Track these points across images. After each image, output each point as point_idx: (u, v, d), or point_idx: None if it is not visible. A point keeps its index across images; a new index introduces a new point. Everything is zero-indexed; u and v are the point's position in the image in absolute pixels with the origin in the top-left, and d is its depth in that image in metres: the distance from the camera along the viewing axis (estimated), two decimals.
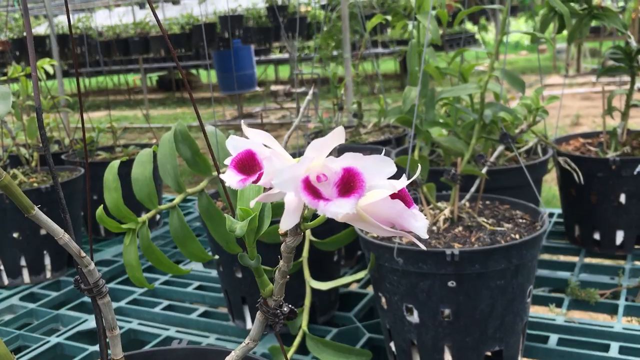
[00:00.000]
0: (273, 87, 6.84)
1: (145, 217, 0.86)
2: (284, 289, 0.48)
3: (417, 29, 0.99)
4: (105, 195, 0.83)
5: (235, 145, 0.39)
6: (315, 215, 0.40)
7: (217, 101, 7.56)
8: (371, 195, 0.36)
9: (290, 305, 0.49)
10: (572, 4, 1.17)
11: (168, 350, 0.63)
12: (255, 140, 0.38)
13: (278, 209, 0.92)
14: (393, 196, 0.36)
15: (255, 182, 0.36)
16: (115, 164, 0.84)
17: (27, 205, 0.44)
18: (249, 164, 0.37)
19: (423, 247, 0.37)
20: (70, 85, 8.60)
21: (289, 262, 0.44)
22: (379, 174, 0.33)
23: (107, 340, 0.52)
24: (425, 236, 0.35)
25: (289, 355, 0.92)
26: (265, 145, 0.38)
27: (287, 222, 0.36)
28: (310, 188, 0.33)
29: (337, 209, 0.32)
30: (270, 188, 0.37)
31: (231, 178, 0.37)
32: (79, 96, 0.57)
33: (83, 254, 0.48)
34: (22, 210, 0.44)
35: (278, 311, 0.48)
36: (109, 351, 0.53)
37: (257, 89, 6.81)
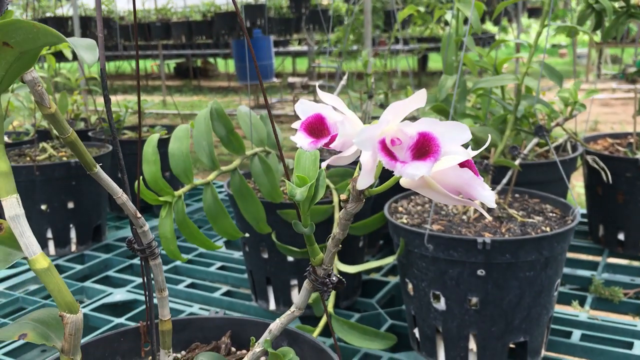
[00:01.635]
0: (290, 79, 6.84)
1: (181, 191, 0.87)
2: (334, 259, 0.49)
3: (457, 18, 0.99)
4: (144, 167, 0.84)
5: (303, 109, 0.39)
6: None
7: (234, 91, 7.58)
8: (441, 162, 0.36)
9: (338, 275, 0.50)
10: (610, 2, 1.16)
11: (205, 318, 0.64)
12: (326, 103, 0.38)
13: (319, 214, 0.93)
14: (461, 165, 0.36)
15: (328, 144, 0.37)
16: (155, 137, 0.85)
17: (90, 163, 0.45)
18: (318, 128, 0.38)
19: (489, 217, 0.37)
20: (88, 68, 8.65)
21: (345, 230, 0.45)
22: (454, 140, 0.34)
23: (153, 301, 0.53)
24: (493, 205, 0.36)
25: (314, 335, 0.93)
26: (335, 109, 0.38)
27: (363, 182, 0.37)
28: (386, 150, 0.33)
29: (414, 170, 0.32)
30: (340, 151, 0.38)
31: (302, 140, 0.37)
32: (137, 78, 0.58)
33: (139, 215, 0.49)
34: (85, 168, 0.45)
35: (327, 280, 0.49)
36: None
37: (275, 80, 6.82)
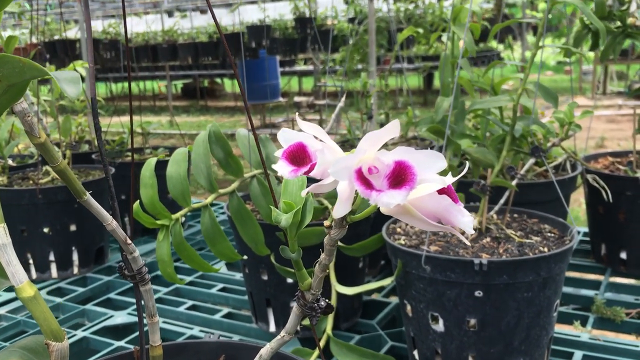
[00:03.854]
0: (296, 99, 6.89)
1: (179, 214, 0.88)
2: (322, 283, 0.49)
3: (452, 40, 1.00)
4: (142, 191, 0.85)
5: (286, 137, 0.40)
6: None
7: (241, 111, 7.63)
8: (419, 189, 0.36)
9: (327, 300, 0.50)
10: (606, 22, 1.17)
11: (200, 343, 0.64)
12: (307, 132, 0.39)
13: (315, 236, 0.92)
14: (440, 191, 0.37)
15: (307, 172, 0.37)
16: (152, 161, 0.86)
17: (80, 191, 0.46)
18: (299, 156, 0.38)
19: (467, 242, 0.38)
20: (98, 89, 8.73)
21: (331, 256, 0.45)
22: (429, 168, 0.34)
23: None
24: (471, 231, 0.36)
25: (312, 359, 0.92)
26: (316, 138, 0.39)
27: (339, 211, 0.37)
28: (363, 179, 0.34)
29: (389, 199, 0.33)
30: (320, 179, 0.39)
31: (283, 168, 0.38)
32: (130, 100, 0.59)
33: (129, 241, 0.49)
34: (75, 195, 0.46)
35: (315, 305, 0.49)
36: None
37: (281, 99, 6.86)
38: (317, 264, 0.47)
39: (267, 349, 0.53)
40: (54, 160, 0.44)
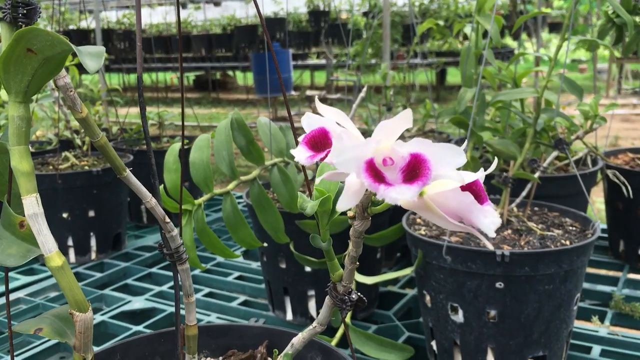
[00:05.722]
0: (308, 92, 6.88)
1: (201, 199, 0.88)
2: (353, 275, 0.49)
3: (476, 31, 0.99)
4: (165, 176, 0.85)
5: (309, 123, 0.38)
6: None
7: (252, 103, 7.64)
8: (441, 184, 0.34)
9: (359, 294, 0.50)
10: (632, 16, 1.16)
11: (245, 327, 0.64)
12: (329, 118, 0.38)
13: (336, 225, 0.91)
14: (464, 188, 0.35)
15: (323, 159, 0.36)
16: (176, 146, 0.87)
17: (120, 167, 0.46)
18: (320, 142, 0.37)
19: (490, 246, 0.37)
20: (110, 80, 8.77)
21: (358, 247, 0.45)
22: (447, 163, 0.32)
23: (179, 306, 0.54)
24: (492, 235, 0.33)
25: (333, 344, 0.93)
26: (338, 124, 0.38)
27: (344, 203, 0.35)
28: (373, 170, 0.32)
29: (397, 195, 0.30)
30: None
31: (301, 154, 0.36)
32: (182, 91, 0.59)
33: (167, 220, 0.49)
34: (115, 172, 0.47)
35: (346, 297, 0.49)
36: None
37: (293, 93, 6.85)
38: (345, 257, 0.47)
39: (299, 338, 0.53)
40: (95, 135, 0.44)
